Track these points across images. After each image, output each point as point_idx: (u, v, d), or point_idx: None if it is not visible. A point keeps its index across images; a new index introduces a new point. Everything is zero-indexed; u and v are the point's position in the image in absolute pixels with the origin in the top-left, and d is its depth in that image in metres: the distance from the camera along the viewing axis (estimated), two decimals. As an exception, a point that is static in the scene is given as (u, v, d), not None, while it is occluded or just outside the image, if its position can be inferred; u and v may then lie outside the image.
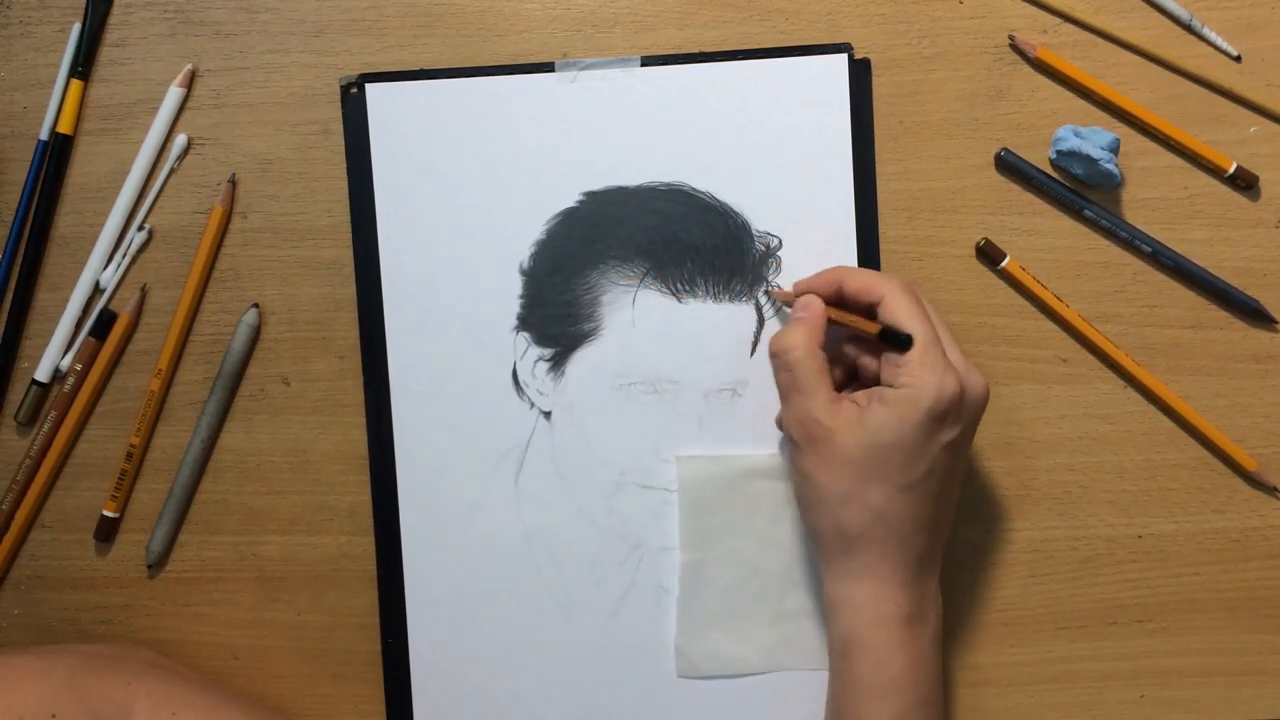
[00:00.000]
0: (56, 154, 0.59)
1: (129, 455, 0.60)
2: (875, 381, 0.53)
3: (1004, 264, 0.58)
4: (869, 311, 0.53)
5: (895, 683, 0.51)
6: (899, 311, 0.52)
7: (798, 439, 0.53)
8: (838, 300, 0.54)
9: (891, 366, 0.51)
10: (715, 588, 0.58)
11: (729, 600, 0.58)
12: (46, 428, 0.60)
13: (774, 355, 0.54)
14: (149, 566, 0.60)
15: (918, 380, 0.50)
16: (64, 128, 0.59)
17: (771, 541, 0.58)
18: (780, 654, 0.59)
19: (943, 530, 0.54)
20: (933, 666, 0.53)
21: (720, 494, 0.58)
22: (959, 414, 0.51)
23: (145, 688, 0.53)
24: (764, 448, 0.58)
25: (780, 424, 0.56)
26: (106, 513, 0.60)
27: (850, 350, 0.56)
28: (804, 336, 0.53)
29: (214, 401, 0.59)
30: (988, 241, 0.58)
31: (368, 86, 0.58)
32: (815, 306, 0.54)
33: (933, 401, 0.50)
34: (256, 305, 0.59)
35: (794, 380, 0.53)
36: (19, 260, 0.60)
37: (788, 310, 0.57)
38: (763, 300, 0.58)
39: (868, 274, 0.54)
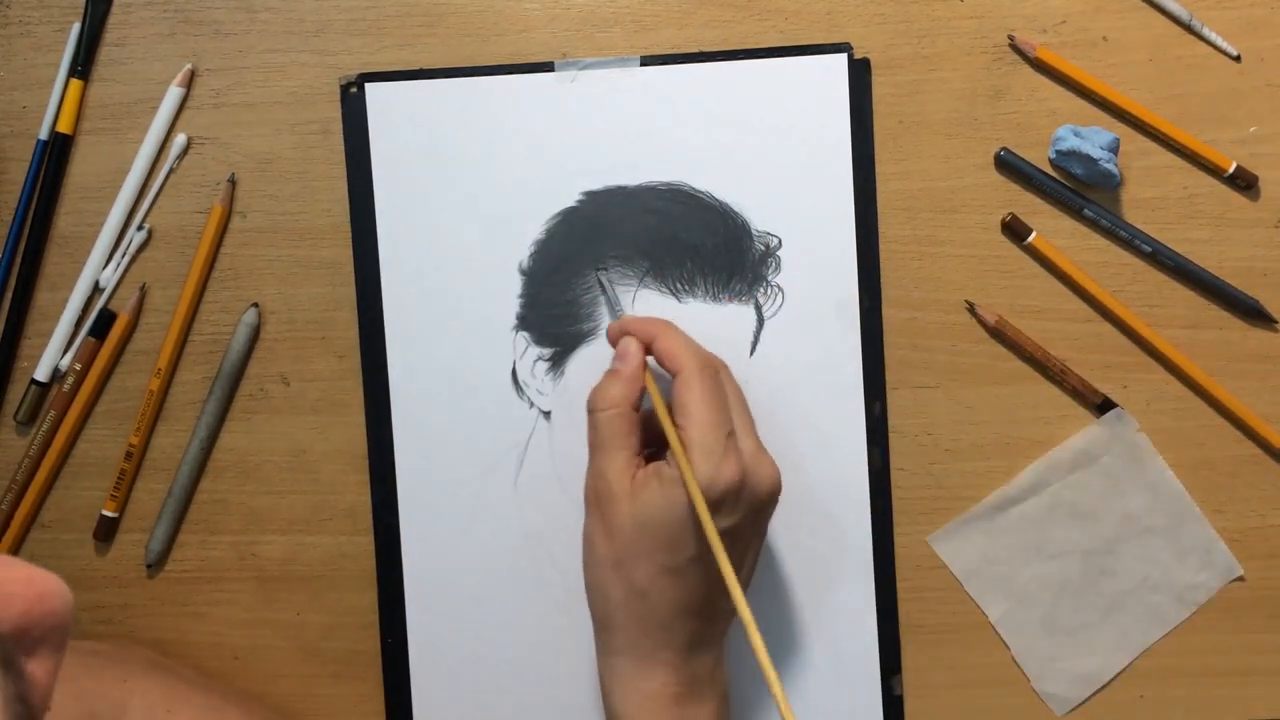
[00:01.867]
0: (56, 154, 0.59)
1: (128, 455, 0.59)
2: None
3: (1030, 239, 0.58)
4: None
5: None
6: (687, 391, 0.50)
7: (587, 498, 0.52)
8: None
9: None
10: (1035, 623, 0.58)
11: (1055, 625, 0.58)
12: (46, 427, 0.60)
13: (588, 411, 0.52)
14: (148, 566, 0.60)
15: (691, 465, 0.49)
16: (64, 127, 0.59)
17: (1056, 551, 0.58)
18: (1130, 638, 0.59)
19: (719, 617, 0.52)
20: None
21: (984, 545, 0.58)
22: (736, 503, 0.49)
23: (142, 686, 0.53)
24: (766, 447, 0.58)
25: None
26: (106, 513, 0.60)
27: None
28: (620, 395, 0.51)
29: (213, 401, 0.59)
30: (1014, 216, 0.58)
31: (368, 86, 0.58)
32: (634, 359, 0.52)
33: (703, 489, 0.48)
34: (256, 305, 0.59)
35: (598, 438, 0.51)
36: (19, 260, 0.59)
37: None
38: (762, 300, 0.58)
39: (678, 341, 0.52)
